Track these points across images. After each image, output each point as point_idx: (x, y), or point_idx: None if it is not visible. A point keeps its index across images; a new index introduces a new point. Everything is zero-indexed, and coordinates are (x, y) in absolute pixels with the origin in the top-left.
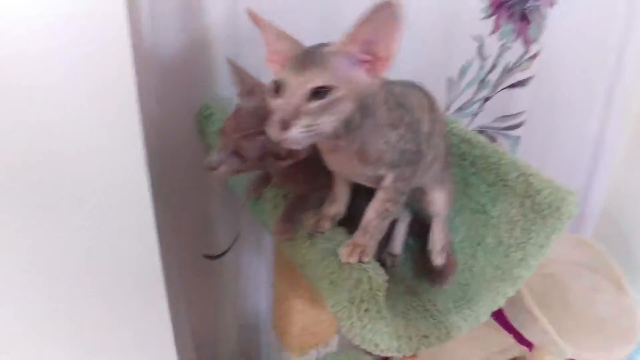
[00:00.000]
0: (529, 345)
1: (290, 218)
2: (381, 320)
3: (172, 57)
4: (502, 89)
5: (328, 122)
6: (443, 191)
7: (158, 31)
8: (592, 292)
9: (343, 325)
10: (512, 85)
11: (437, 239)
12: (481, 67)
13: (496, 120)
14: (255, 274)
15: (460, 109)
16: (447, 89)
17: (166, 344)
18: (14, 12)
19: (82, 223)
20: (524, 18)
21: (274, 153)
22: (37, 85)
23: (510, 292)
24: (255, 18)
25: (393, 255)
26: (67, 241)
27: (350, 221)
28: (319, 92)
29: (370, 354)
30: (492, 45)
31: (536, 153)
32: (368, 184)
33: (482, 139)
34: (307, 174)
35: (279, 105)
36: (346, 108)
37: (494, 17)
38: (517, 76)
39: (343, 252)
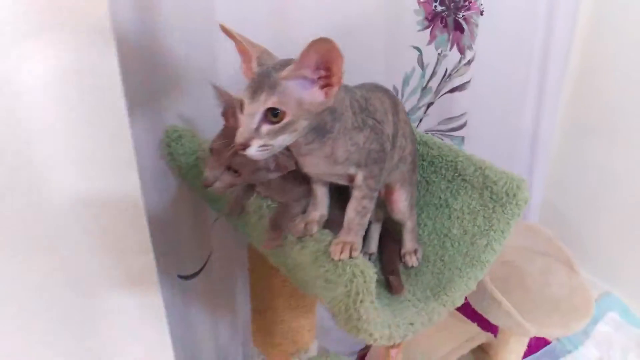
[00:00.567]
0: (494, 331)
1: (278, 226)
2: (374, 311)
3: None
4: (443, 94)
5: (283, 140)
6: (407, 192)
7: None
8: (546, 275)
9: (340, 320)
10: (452, 90)
11: (407, 242)
12: (422, 75)
13: (441, 123)
14: (229, 290)
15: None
16: None
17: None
18: None
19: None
20: (458, 27)
21: (264, 167)
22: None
23: (480, 276)
24: (227, 31)
25: (369, 254)
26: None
27: (326, 224)
28: (272, 116)
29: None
30: (431, 54)
31: (480, 150)
32: (341, 182)
33: (437, 140)
34: (290, 185)
35: (242, 121)
36: (300, 127)
37: (429, 29)
38: (456, 81)
39: (334, 251)
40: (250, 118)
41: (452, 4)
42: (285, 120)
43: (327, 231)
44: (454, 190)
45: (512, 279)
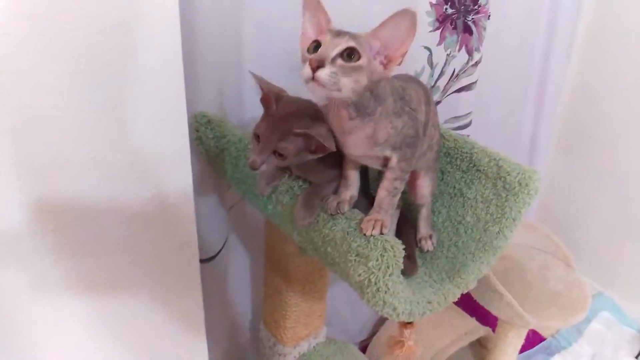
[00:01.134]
0: (492, 325)
1: (311, 205)
2: (400, 285)
3: None
4: (450, 93)
5: (346, 84)
6: (431, 178)
7: None
8: (544, 270)
9: (368, 292)
10: (459, 90)
11: (422, 228)
12: (431, 75)
13: (447, 121)
14: (243, 274)
15: None
16: None
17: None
18: None
19: None
20: (467, 29)
21: (306, 148)
22: None
23: (493, 261)
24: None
25: None
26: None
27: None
28: (348, 57)
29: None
30: (440, 54)
31: None
32: (374, 166)
33: (452, 132)
34: (323, 167)
35: (314, 56)
36: (361, 79)
37: (439, 30)
38: (463, 81)
39: (366, 227)
40: (331, 48)
41: (462, 7)
42: (357, 62)
43: (355, 210)
44: (468, 180)
45: (512, 273)
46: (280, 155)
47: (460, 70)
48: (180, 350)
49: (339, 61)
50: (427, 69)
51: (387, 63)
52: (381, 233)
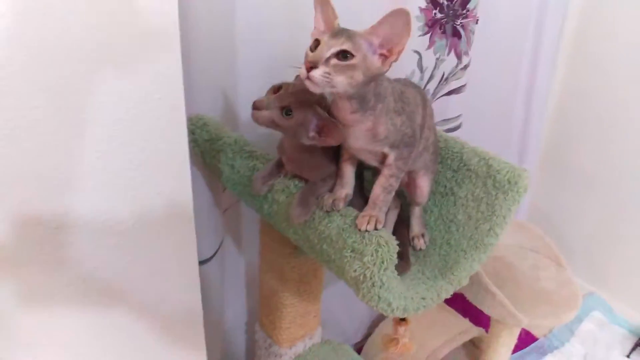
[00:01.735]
0: (485, 326)
1: (306, 202)
2: (394, 280)
3: None
4: (440, 97)
5: (341, 81)
6: (430, 178)
7: None
8: (536, 270)
9: (363, 288)
10: (449, 93)
11: (414, 226)
12: (421, 78)
13: (437, 124)
14: (238, 276)
15: None
16: None
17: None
18: None
19: None
20: (456, 34)
21: (309, 126)
22: None
23: (484, 258)
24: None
25: None
26: None
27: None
28: (342, 57)
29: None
30: (430, 58)
31: None
32: (372, 163)
33: (443, 133)
34: (319, 163)
35: (309, 58)
36: (356, 75)
37: (429, 35)
38: (452, 85)
39: (360, 222)
40: (326, 49)
41: (451, 12)
42: (351, 62)
43: (350, 208)
44: (459, 179)
45: (505, 273)
46: (287, 114)
47: (449, 74)
48: (180, 352)
49: (333, 61)
50: (417, 72)
51: (386, 57)
52: (375, 229)
